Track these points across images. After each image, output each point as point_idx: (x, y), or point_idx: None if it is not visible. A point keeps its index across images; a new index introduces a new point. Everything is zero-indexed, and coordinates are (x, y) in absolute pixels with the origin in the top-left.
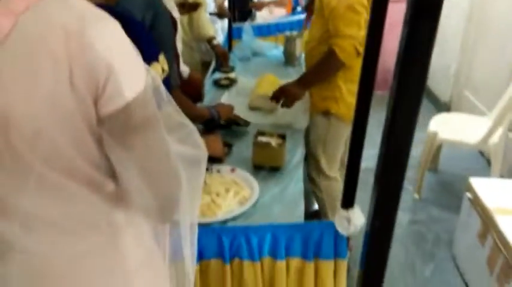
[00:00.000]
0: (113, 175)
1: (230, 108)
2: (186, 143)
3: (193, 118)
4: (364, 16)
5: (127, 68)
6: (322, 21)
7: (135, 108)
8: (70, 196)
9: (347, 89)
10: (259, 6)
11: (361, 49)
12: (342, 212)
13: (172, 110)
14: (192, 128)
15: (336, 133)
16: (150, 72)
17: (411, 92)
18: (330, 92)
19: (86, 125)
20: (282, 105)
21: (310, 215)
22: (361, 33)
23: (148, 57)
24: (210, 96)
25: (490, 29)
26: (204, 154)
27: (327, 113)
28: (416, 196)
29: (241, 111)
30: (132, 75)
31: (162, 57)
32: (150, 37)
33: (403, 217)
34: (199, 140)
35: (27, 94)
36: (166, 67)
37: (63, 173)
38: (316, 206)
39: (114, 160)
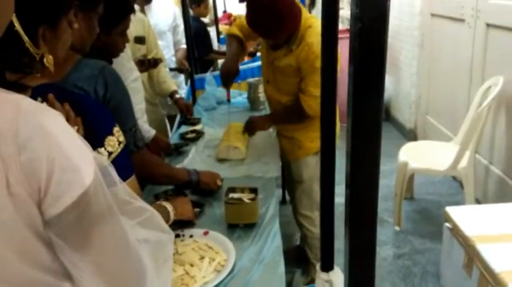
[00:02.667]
0: (69, 276)
1: (214, 177)
2: (149, 227)
3: (169, 179)
4: None
5: (70, 163)
6: (292, 71)
7: (85, 205)
8: None
9: None
10: (218, 56)
11: None
12: (323, 276)
13: (126, 194)
14: (153, 211)
15: None
16: (98, 158)
17: (368, 129)
18: (316, 133)
19: (31, 232)
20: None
21: (292, 250)
22: None
23: (103, 132)
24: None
25: (442, 53)
26: (169, 237)
27: (318, 152)
28: (397, 228)
29: (209, 164)
30: (78, 169)
31: (116, 130)
32: (103, 110)
33: (387, 251)
34: (162, 223)
35: None
36: (122, 138)
37: (12, 285)
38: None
39: (67, 263)
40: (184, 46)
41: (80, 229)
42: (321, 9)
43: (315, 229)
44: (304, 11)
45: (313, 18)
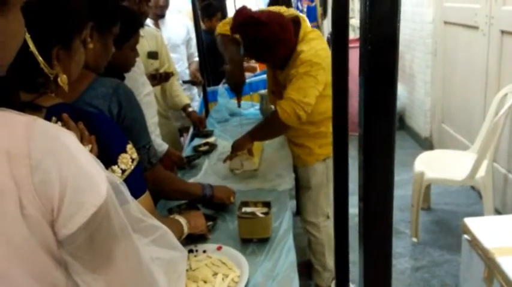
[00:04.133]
0: None
1: (228, 192)
2: (162, 245)
3: (183, 194)
4: (320, 81)
5: (82, 183)
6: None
7: (98, 224)
8: None
9: None
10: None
11: (301, 113)
12: None
13: (139, 212)
14: (165, 230)
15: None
16: (111, 177)
17: (379, 155)
18: (324, 139)
19: (45, 254)
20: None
21: (307, 262)
22: (306, 100)
23: (116, 151)
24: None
25: (456, 61)
26: (182, 255)
27: (326, 158)
28: (414, 239)
29: (222, 176)
30: (90, 189)
31: (129, 147)
32: (116, 128)
33: (405, 263)
34: (175, 241)
35: None
36: (135, 155)
37: None
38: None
39: (80, 283)
40: (197, 59)
41: (93, 248)
42: (331, 18)
43: (320, 235)
44: (305, 26)
45: (312, 33)
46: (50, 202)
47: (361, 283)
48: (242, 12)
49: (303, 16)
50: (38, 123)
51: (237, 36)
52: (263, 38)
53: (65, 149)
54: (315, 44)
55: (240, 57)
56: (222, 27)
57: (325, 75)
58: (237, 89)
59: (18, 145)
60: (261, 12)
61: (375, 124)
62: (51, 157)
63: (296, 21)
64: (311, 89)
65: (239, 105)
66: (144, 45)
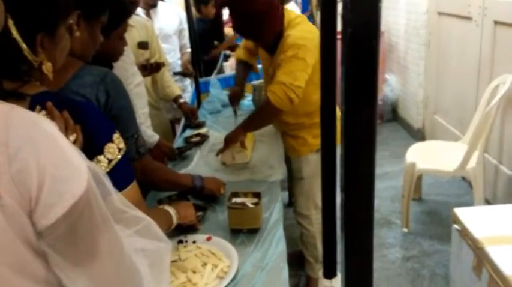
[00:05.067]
0: None
1: (219, 184)
2: (146, 236)
3: (172, 185)
4: (309, 63)
5: (62, 173)
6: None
7: (78, 215)
8: None
9: None
10: (221, 49)
11: (293, 96)
12: (326, 283)
13: (121, 204)
14: (149, 221)
15: None
16: (93, 168)
17: (361, 136)
18: (318, 130)
19: (24, 244)
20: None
21: (297, 252)
22: (296, 83)
23: (102, 140)
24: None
25: (449, 52)
26: (167, 246)
27: (319, 149)
28: (405, 229)
29: (214, 168)
30: (69, 179)
31: (116, 137)
32: (102, 117)
33: (395, 253)
34: (160, 232)
35: None
36: (122, 145)
37: None
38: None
39: (61, 275)
40: (189, 50)
41: (73, 239)
42: (320, 10)
43: (311, 227)
44: (290, 12)
45: (297, 18)
46: (28, 192)
47: (343, 273)
48: None
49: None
50: (16, 111)
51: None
52: (251, 12)
53: (44, 138)
54: (300, 27)
55: (246, 76)
56: (238, 53)
57: (314, 57)
58: (235, 103)
59: None
60: None
61: (357, 109)
62: (29, 145)
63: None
64: (300, 72)
65: (235, 115)
66: (134, 36)
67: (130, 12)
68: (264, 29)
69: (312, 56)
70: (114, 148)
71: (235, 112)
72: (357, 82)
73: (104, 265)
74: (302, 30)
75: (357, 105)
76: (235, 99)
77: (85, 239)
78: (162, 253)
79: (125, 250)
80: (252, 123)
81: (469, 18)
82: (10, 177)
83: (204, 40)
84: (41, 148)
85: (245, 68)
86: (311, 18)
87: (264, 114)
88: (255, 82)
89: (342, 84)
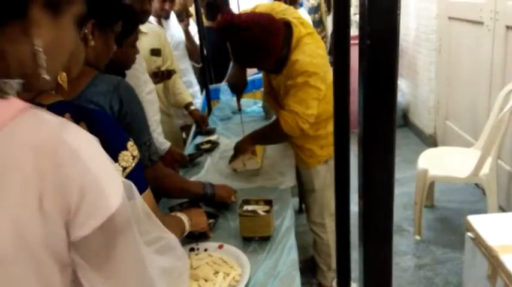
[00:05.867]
0: None
1: (230, 192)
2: (165, 255)
3: (183, 193)
4: (321, 90)
5: (101, 186)
6: (284, 89)
7: (112, 227)
8: None
9: None
10: None
11: (305, 126)
12: None
13: (148, 221)
14: (171, 238)
15: None
16: (126, 181)
17: (380, 153)
18: (325, 140)
19: (51, 254)
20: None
21: (309, 259)
22: (309, 111)
23: (117, 148)
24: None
25: (460, 57)
26: (185, 266)
27: (328, 160)
28: (417, 237)
29: (225, 175)
30: (107, 192)
31: (130, 144)
32: (117, 125)
33: (408, 261)
34: (180, 251)
35: None
36: (136, 153)
37: None
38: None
39: (86, 284)
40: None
41: (105, 250)
42: (332, 15)
43: (325, 235)
44: (301, 29)
45: (307, 37)
46: (68, 202)
47: (362, 282)
48: (224, 16)
49: (296, 21)
50: (70, 125)
51: None
52: (245, 43)
53: (89, 152)
54: (310, 52)
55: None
56: None
57: (324, 83)
58: (238, 91)
59: (46, 142)
60: (246, 15)
61: (375, 122)
62: (75, 157)
63: (288, 27)
64: (313, 100)
65: (239, 109)
66: (147, 43)
67: (140, 20)
68: (264, 57)
69: (323, 81)
70: (129, 156)
71: (238, 99)
72: (376, 96)
73: (129, 277)
74: (312, 56)
75: (376, 117)
76: (237, 89)
77: (115, 250)
78: (181, 272)
79: (147, 267)
80: (261, 139)
81: (480, 23)
82: (55, 185)
83: (216, 48)
84: (85, 161)
85: None
86: (322, 23)
87: (273, 136)
88: None
89: (360, 96)
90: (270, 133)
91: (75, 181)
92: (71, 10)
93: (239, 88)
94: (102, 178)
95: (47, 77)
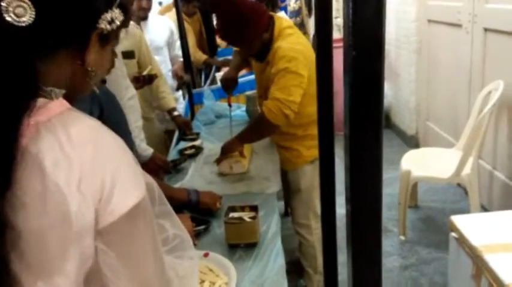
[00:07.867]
0: None
1: (215, 198)
2: (178, 253)
3: (167, 200)
4: (303, 76)
5: (131, 175)
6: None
7: (137, 215)
8: None
9: None
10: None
11: (288, 112)
12: None
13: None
14: (184, 238)
15: None
16: (146, 175)
17: (366, 165)
18: (312, 141)
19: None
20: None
21: (294, 261)
22: (291, 98)
23: None
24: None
25: (440, 59)
26: (196, 267)
27: (313, 160)
28: (402, 237)
29: (209, 180)
30: (135, 181)
31: None
32: None
33: (393, 262)
34: (193, 252)
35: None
36: None
37: None
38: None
39: (106, 270)
40: (181, 59)
41: (129, 240)
42: (314, 18)
43: (311, 237)
44: (282, 21)
45: (289, 28)
46: (101, 189)
47: (351, 284)
48: None
49: (277, 15)
50: (104, 127)
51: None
52: (230, 15)
53: (120, 147)
54: (291, 39)
55: (242, 66)
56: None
57: (307, 69)
58: (228, 89)
59: (87, 132)
60: None
61: (361, 132)
62: (109, 150)
63: (271, 18)
64: (295, 87)
65: (229, 104)
66: (118, 46)
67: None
68: (248, 33)
69: (304, 68)
70: None
71: (229, 97)
72: (362, 105)
73: (148, 266)
74: (292, 42)
75: (362, 129)
76: (226, 83)
77: (139, 241)
78: (192, 273)
79: (164, 259)
80: (248, 136)
81: (459, 26)
82: (91, 171)
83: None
84: (117, 154)
85: (242, 60)
86: (303, 26)
87: (260, 128)
88: (249, 92)
89: (345, 107)
90: (256, 126)
91: (108, 171)
92: (113, 41)
93: (229, 83)
94: (131, 170)
95: (95, 89)
